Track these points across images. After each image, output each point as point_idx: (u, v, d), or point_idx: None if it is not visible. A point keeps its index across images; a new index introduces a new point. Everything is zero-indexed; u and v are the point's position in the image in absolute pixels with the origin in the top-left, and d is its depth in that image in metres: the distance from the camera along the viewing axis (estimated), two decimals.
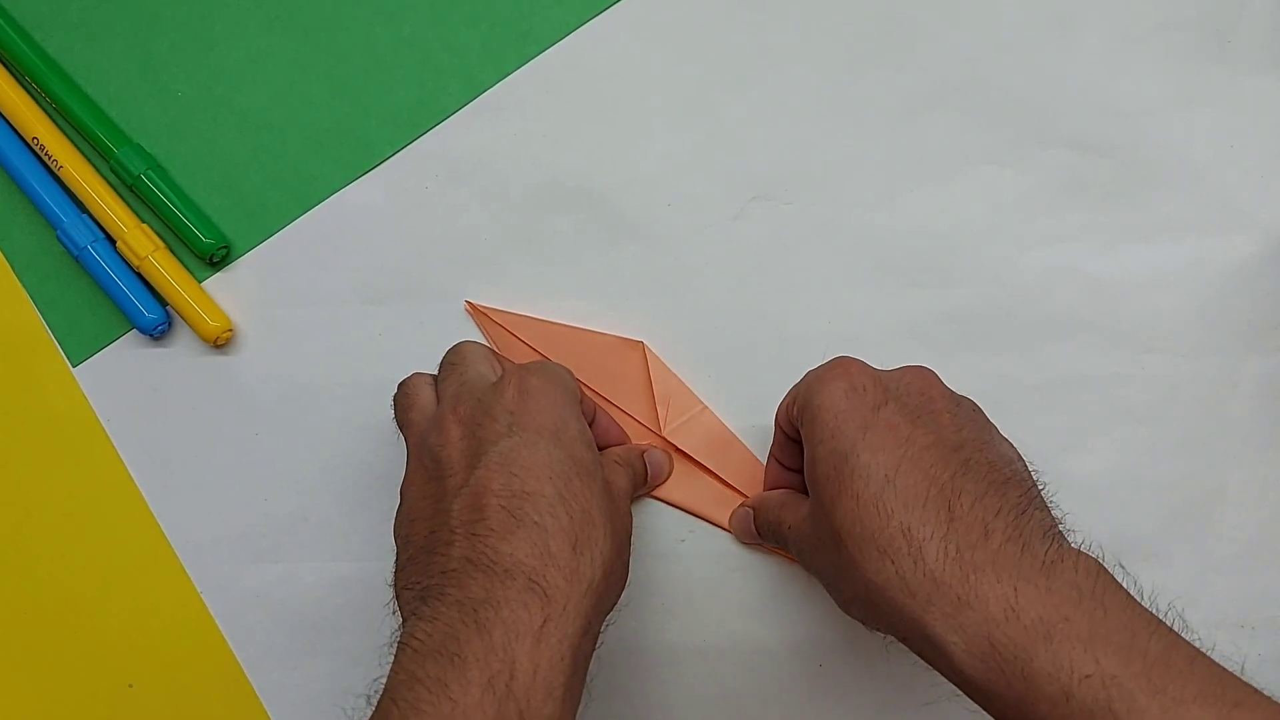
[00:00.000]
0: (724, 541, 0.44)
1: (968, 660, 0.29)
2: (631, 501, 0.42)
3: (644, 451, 0.43)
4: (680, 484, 0.44)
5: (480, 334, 0.44)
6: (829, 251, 0.44)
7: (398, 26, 0.45)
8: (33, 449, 0.46)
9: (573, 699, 0.31)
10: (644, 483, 0.42)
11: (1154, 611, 0.29)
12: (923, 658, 0.31)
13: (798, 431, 0.36)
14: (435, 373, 0.41)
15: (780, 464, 0.41)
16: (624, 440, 0.43)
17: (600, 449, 0.42)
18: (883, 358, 0.43)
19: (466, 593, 0.31)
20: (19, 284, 0.46)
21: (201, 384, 0.45)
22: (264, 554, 0.45)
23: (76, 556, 0.46)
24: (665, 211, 0.44)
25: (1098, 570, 0.30)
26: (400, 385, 0.40)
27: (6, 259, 0.46)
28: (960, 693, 0.30)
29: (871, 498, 0.31)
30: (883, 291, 0.44)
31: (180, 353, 0.45)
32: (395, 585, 0.35)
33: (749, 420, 0.44)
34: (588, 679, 0.34)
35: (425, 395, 0.39)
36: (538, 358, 0.43)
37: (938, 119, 0.44)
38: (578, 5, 0.44)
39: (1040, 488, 0.34)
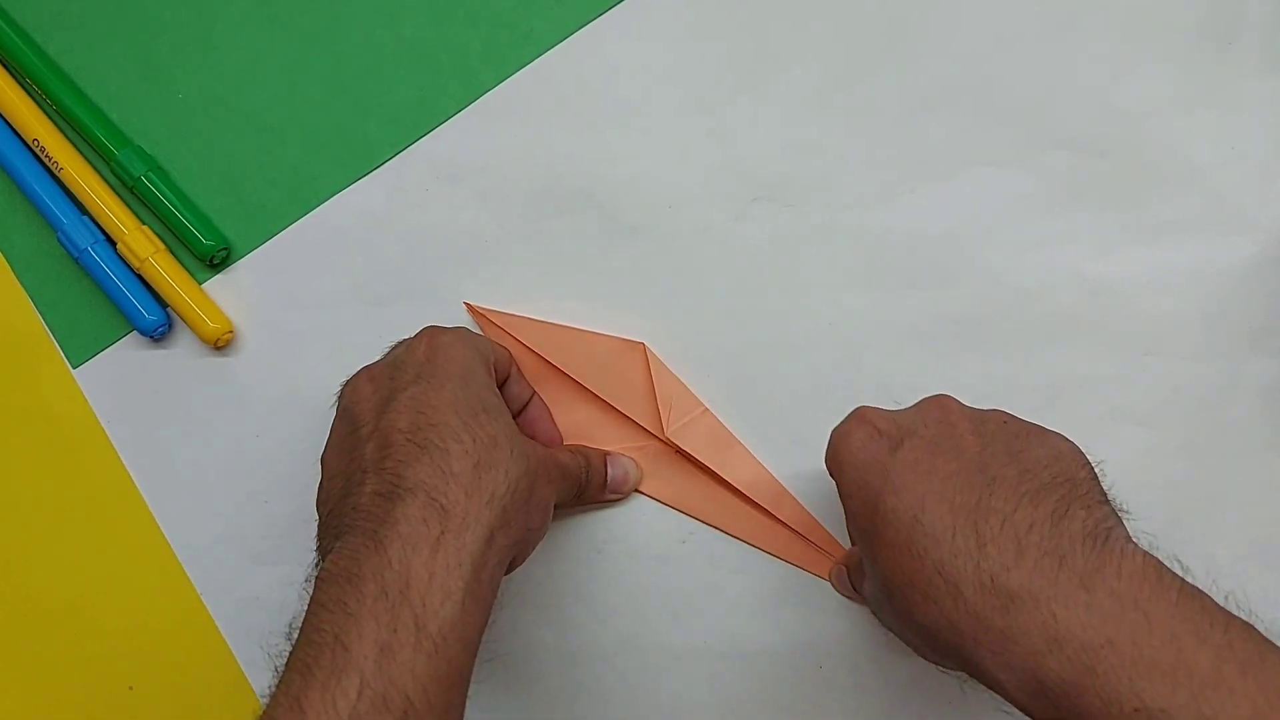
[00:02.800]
0: (725, 544, 0.44)
1: (1024, 698, 0.28)
2: (585, 497, 0.42)
3: (608, 454, 0.43)
4: (682, 486, 0.43)
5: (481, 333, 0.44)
6: (830, 253, 0.44)
7: (398, 28, 0.45)
8: (33, 450, 0.46)
9: (477, 605, 0.32)
10: (601, 483, 0.42)
11: (1206, 594, 0.28)
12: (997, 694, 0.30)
13: None
14: None
15: None
16: (555, 437, 0.44)
17: (530, 436, 0.42)
18: (883, 358, 0.43)
19: (371, 519, 0.32)
20: (19, 285, 0.46)
21: (202, 385, 0.45)
22: (264, 556, 0.45)
23: (76, 558, 0.46)
24: (666, 213, 0.44)
25: (1143, 570, 0.28)
26: None
27: (7, 260, 0.46)
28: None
29: (904, 542, 0.31)
30: (883, 292, 0.44)
31: (180, 354, 0.45)
32: (317, 545, 0.35)
33: (750, 422, 0.44)
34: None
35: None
36: (537, 359, 0.43)
37: (938, 120, 0.44)
38: (578, 6, 0.44)
39: (1096, 478, 0.32)
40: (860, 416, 0.35)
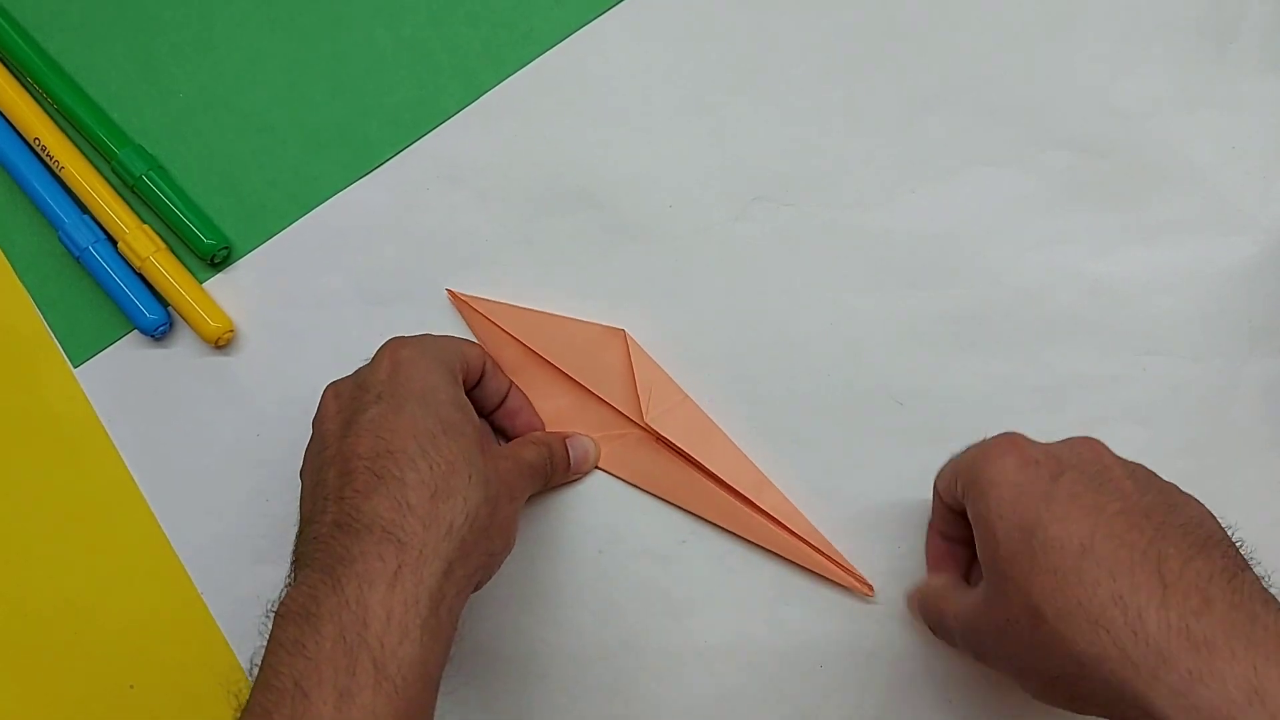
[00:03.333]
0: (724, 543, 0.44)
1: None
2: (550, 483, 0.42)
3: (567, 437, 0.43)
4: (662, 473, 0.43)
5: (463, 323, 0.44)
6: (830, 252, 0.44)
7: (398, 28, 0.45)
8: (34, 449, 0.46)
9: (436, 641, 0.32)
10: (565, 468, 0.43)
11: None
12: None
13: (961, 505, 0.36)
14: None
15: (943, 535, 0.40)
16: (536, 425, 0.44)
17: (511, 429, 0.43)
18: (883, 357, 0.43)
19: (330, 554, 0.32)
20: (20, 285, 0.46)
21: (202, 384, 0.45)
22: (265, 555, 0.45)
23: (77, 557, 0.46)
24: (666, 213, 0.44)
25: None
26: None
27: (8, 260, 0.46)
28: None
29: (1072, 568, 0.30)
30: (883, 292, 0.44)
31: (181, 353, 0.45)
32: (292, 558, 0.36)
33: (749, 421, 0.44)
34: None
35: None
36: (519, 346, 0.43)
37: (938, 120, 0.44)
38: (578, 6, 0.44)
39: (1238, 544, 0.32)
40: (1013, 442, 0.34)
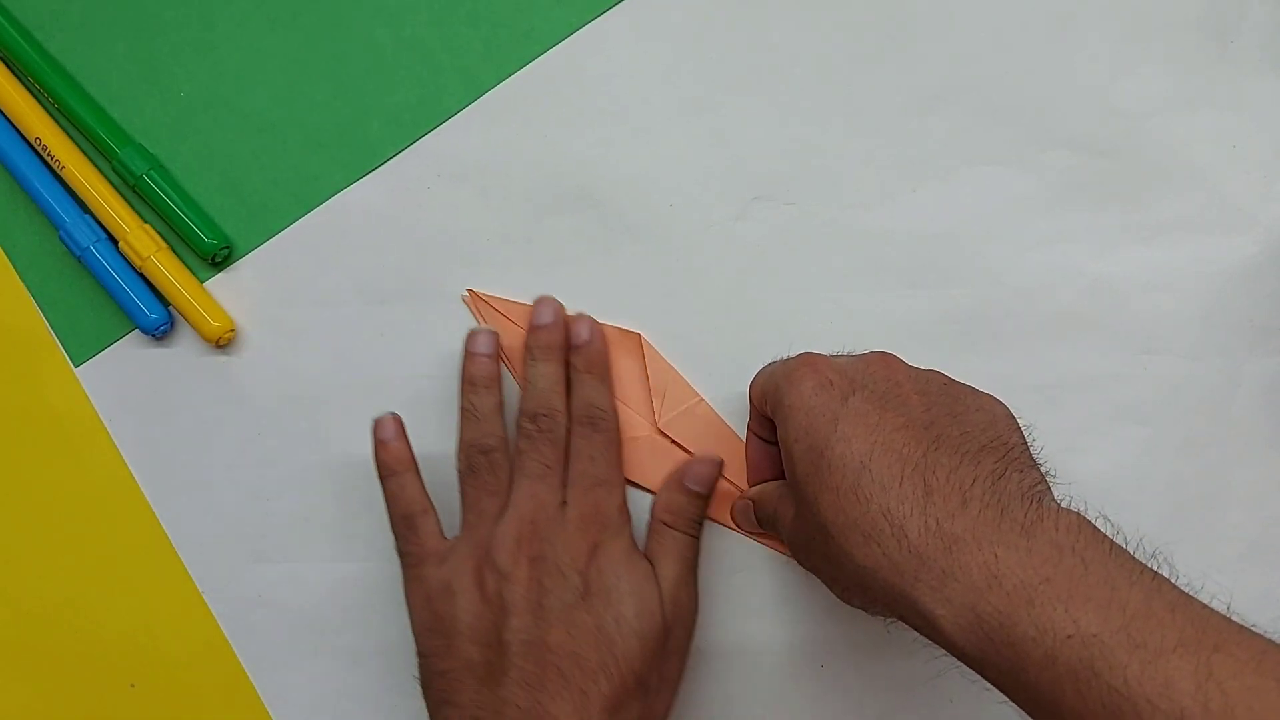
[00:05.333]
0: (725, 541, 0.44)
1: (957, 631, 0.29)
2: (693, 562, 0.42)
3: (683, 479, 0.42)
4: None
5: (475, 322, 0.44)
6: (830, 252, 0.44)
7: (399, 27, 0.45)
8: (34, 449, 0.46)
9: None
10: (703, 510, 0.42)
11: (1138, 558, 0.30)
12: (921, 634, 0.32)
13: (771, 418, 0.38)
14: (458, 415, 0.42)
15: (759, 438, 0.42)
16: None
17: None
18: None
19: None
20: (21, 284, 0.46)
21: (203, 384, 0.45)
22: (266, 554, 0.45)
23: (78, 556, 0.46)
24: (667, 212, 0.44)
25: (1078, 525, 0.30)
26: (395, 483, 0.42)
27: (9, 259, 0.46)
28: (959, 665, 0.31)
29: (850, 487, 0.32)
30: (883, 291, 0.44)
31: (182, 353, 0.45)
32: (427, 682, 0.39)
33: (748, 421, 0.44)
34: None
35: (430, 526, 0.41)
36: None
37: (939, 119, 0.44)
38: (579, 6, 0.44)
39: (1027, 443, 0.34)
40: (810, 363, 0.36)
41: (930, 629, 0.30)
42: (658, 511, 0.42)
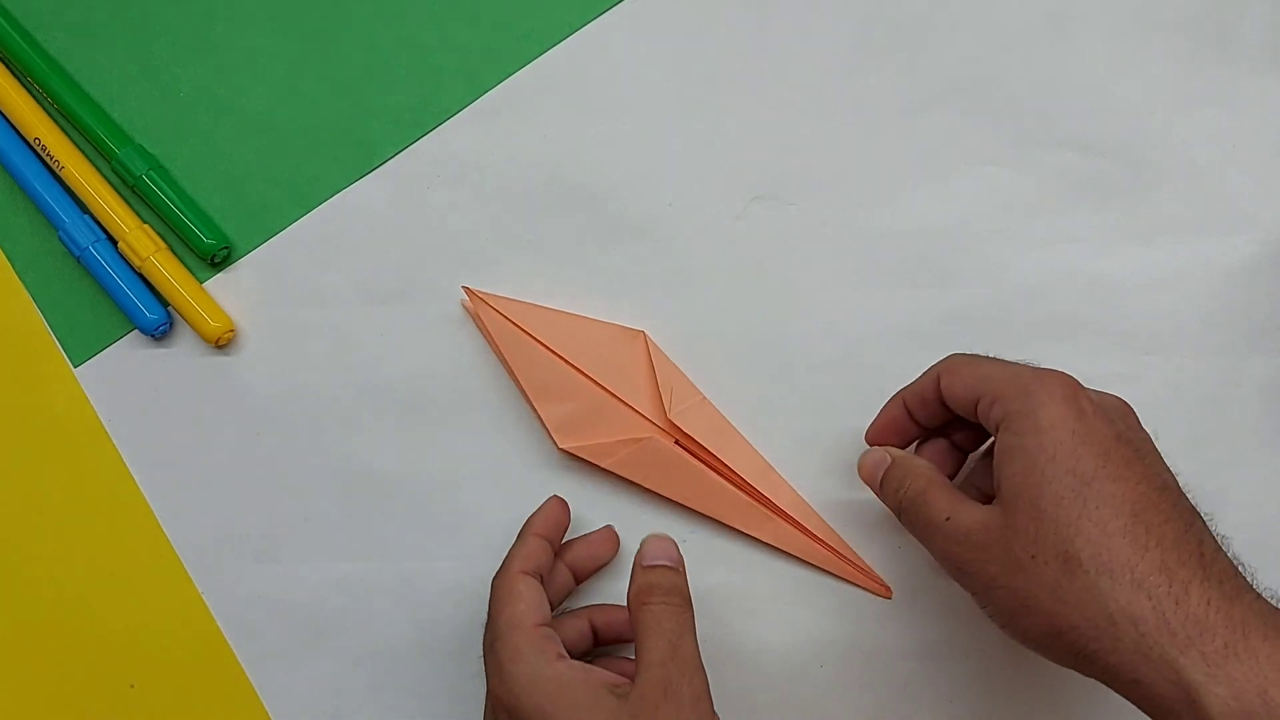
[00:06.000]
0: (725, 543, 0.44)
1: (1226, 714, 0.28)
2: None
3: (641, 561, 0.38)
4: (681, 479, 0.43)
5: (469, 322, 0.44)
6: (830, 251, 0.44)
7: (399, 27, 0.45)
8: (34, 449, 0.46)
9: None
10: (675, 580, 0.38)
11: None
12: (1140, 704, 0.31)
13: (973, 416, 0.36)
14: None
15: (911, 415, 0.40)
16: (606, 547, 0.43)
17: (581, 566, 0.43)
18: (882, 357, 0.43)
19: None
20: (20, 284, 0.46)
21: (203, 384, 0.45)
22: (265, 554, 0.45)
23: (78, 557, 0.46)
24: (666, 212, 0.44)
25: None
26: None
27: (8, 259, 0.46)
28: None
29: (1123, 528, 0.31)
30: (883, 291, 0.44)
31: (181, 353, 0.45)
32: None
33: (750, 419, 0.44)
34: None
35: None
36: (538, 346, 0.43)
37: (939, 119, 0.44)
38: (579, 6, 0.45)
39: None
40: (1068, 385, 0.34)
41: (1184, 702, 0.29)
42: (630, 598, 0.38)
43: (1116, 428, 0.34)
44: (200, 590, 0.45)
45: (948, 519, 0.35)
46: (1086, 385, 0.35)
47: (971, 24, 0.44)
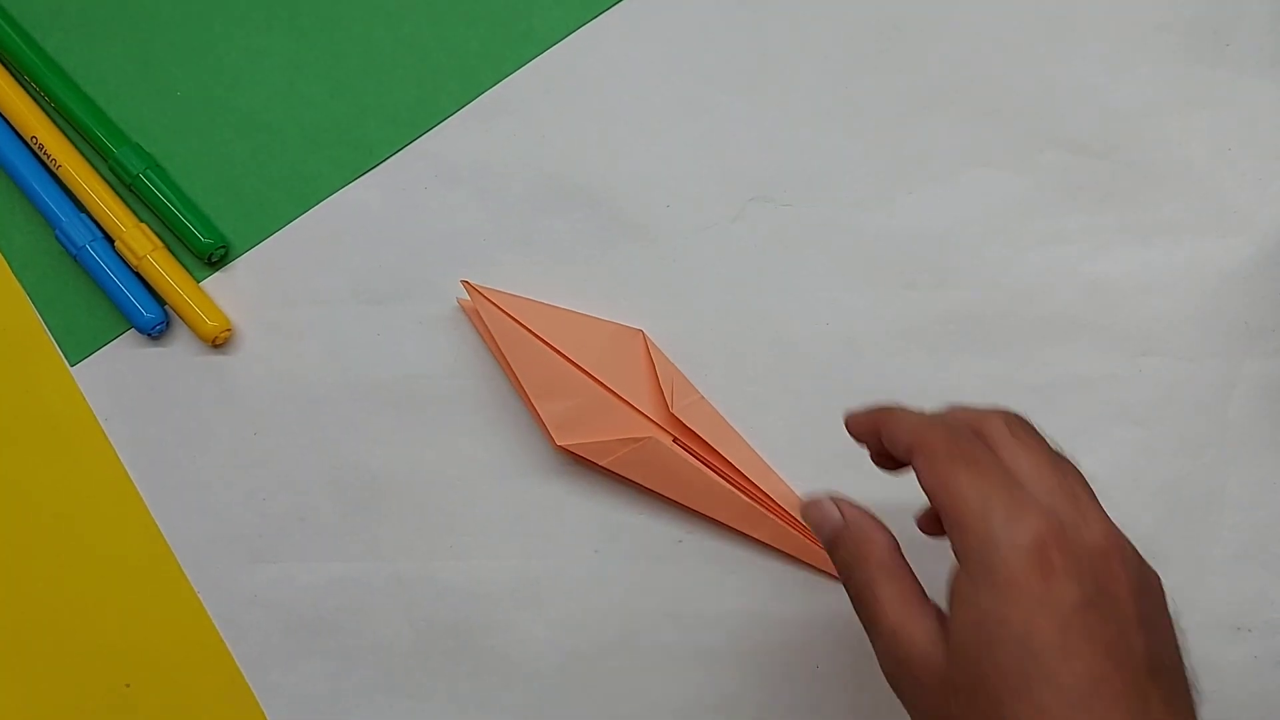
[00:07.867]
0: (721, 543, 0.44)
1: None
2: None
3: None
4: (681, 478, 0.43)
5: (465, 320, 0.44)
6: (827, 253, 0.44)
7: (397, 27, 0.45)
8: (30, 448, 0.46)
9: None
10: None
11: None
12: None
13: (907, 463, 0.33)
14: None
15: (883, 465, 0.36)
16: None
17: None
18: (881, 357, 0.43)
19: None
20: (17, 283, 0.46)
21: (200, 384, 0.45)
22: (261, 554, 0.45)
23: (73, 556, 0.46)
24: (664, 212, 0.44)
25: None
26: None
27: (5, 258, 0.46)
28: None
29: (1061, 715, 0.28)
30: (881, 292, 0.44)
31: (178, 352, 0.45)
32: None
33: (747, 421, 0.44)
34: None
35: None
36: (537, 342, 0.43)
37: (936, 121, 0.44)
38: (577, 6, 0.45)
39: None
40: (1039, 536, 0.30)
41: None
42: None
43: (1085, 591, 0.30)
44: (196, 589, 0.45)
45: (893, 632, 0.33)
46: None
47: (969, 25, 0.44)
